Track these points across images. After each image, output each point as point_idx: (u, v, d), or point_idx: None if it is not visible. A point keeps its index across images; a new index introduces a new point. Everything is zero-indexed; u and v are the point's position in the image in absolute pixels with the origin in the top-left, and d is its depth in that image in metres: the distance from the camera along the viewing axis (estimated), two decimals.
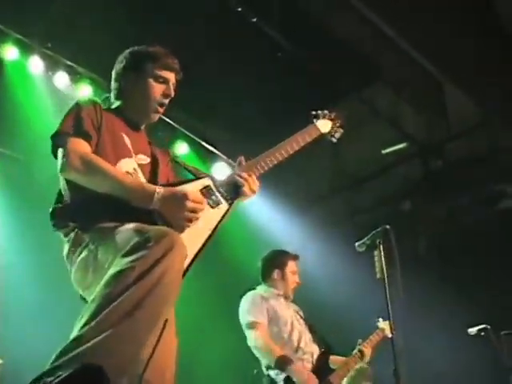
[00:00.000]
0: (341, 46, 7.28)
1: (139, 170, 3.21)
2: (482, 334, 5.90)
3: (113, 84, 3.52)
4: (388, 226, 4.83)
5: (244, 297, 5.46)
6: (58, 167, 3.03)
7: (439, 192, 8.40)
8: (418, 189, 8.57)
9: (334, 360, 5.40)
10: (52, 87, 7.32)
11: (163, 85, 3.38)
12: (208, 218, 3.02)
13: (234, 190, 3.20)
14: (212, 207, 3.09)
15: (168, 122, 8.13)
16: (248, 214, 8.59)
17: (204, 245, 2.98)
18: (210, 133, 8.68)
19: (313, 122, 3.85)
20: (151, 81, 3.35)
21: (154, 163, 3.31)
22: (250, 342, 5.18)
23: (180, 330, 3.22)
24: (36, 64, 7.11)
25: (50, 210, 3.08)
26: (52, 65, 7.25)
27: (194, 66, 7.23)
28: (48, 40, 7.15)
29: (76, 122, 3.09)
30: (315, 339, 5.39)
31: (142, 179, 3.17)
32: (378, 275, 4.74)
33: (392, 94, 8.16)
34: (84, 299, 2.99)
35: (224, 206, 3.14)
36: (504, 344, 6.09)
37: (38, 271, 7.70)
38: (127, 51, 3.53)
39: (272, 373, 5.03)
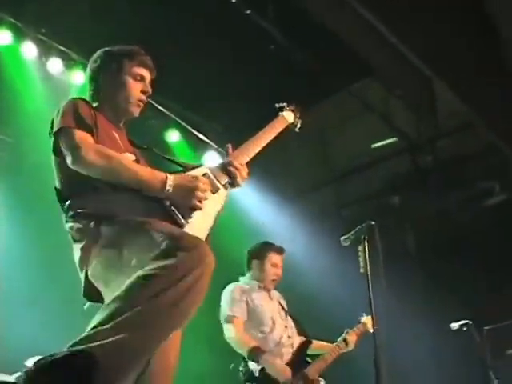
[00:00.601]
0: (332, 41, 7.28)
1: None
2: (464, 329, 6.00)
3: (88, 85, 3.47)
4: (373, 222, 4.88)
5: (225, 288, 5.51)
6: (69, 161, 2.96)
7: (428, 188, 8.44)
8: (407, 184, 8.61)
9: (319, 346, 5.50)
10: (45, 73, 7.33)
11: (141, 82, 3.42)
12: (211, 203, 3.10)
13: (228, 177, 3.27)
14: (213, 193, 3.14)
15: (160, 110, 8.17)
16: (237, 205, 8.65)
17: (211, 229, 3.10)
18: (202, 122, 8.70)
19: (279, 114, 4.00)
20: (129, 78, 3.36)
21: (138, 162, 3.27)
22: (226, 335, 5.26)
23: None
24: (29, 49, 7.11)
25: (67, 203, 3.01)
26: (45, 50, 7.25)
27: (188, 56, 7.36)
28: (42, 25, 7.16)
29: (76, 117, 3.08)
30: (297, 331, 5.45)
31: None
32: (362, 270, 4.80)
33: (383, 89, 8.18)
34: (89, 295, 2.99)
35: (223, 191, 3.22)
36: (486, 339, 6.19)
37: (29, 255, 7.75)
38: (101, 51, 3.51)
39: (250, 364, 5.08)
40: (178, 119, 8.40)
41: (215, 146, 8.86)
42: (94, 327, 2.47)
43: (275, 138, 3.81)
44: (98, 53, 3.49)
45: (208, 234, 3.09)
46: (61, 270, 7.84)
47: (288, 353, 5.24)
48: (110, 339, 2.39)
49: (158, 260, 2.59)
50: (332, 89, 8.29)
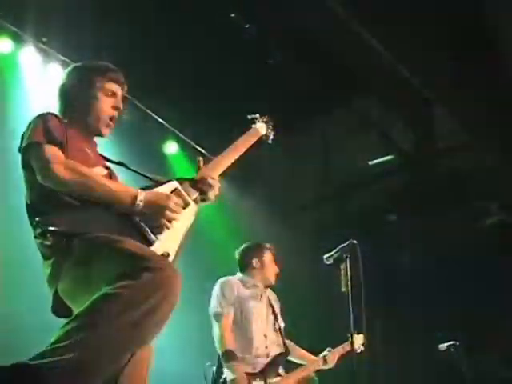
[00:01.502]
0: (330, 58, 7.32)
1: None
2: (452, 349, 6.03)
3: (59, 100, 3.44)
4: (355, 241, 4.89)
5: (218, 282, 5.54)
6: (40, 176, 2.95)
7: (424, 206, 8.45)
8: (404, 202, 8.62)
9: (302, 355, 5.53)
10: (46, 81, 7.37)
11: (112, 98, 3.42)
12: (181, 219, 3.08)
13: (199, 192, 3.29)
14: (183, 208, 3.13)
15: (159, 122, 8.21)
16: (232, 215, 8.70)
17: (182, 244, 3.09)
18: (200, 134, 8.72)
19: (251, 126, 4.06)
20: (101, 94, 3.37)
21: (109, 176, 3.30)
22: (213, 332, 5.30)
23: None
24: (30, 57, 7.17)
25: (35, 220, 2.96)
26: (46, 59, 7.30)
27: (188, 68, 7.40)
28: (43, 34, 7.21)
29: (46, 131, 3.04)
30: (278, 340, 5.46)
31: None
32: (343, 289, 4.80)
33: (381, 106, 8.20)
34: (58, 311, 2.98)
35: (193, 206, 3.22)
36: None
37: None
38: (72, 67, 3.53)
39: (224, 367, 5.11)
40: (176, 131, 8.41)
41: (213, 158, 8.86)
42: (52, 344, 2.45)
43: (247, 150, 3.85)
44: (69, 69, 3.49)
45: (178, 249, 3.09)
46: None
47: (260, 362, 5.24)
48: (64, 357, 2.37)
49: (122, 279, 2.56)
50: (331, 106, 8.29)
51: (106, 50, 7.14)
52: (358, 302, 4.67)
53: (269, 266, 5.66)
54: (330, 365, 5.52)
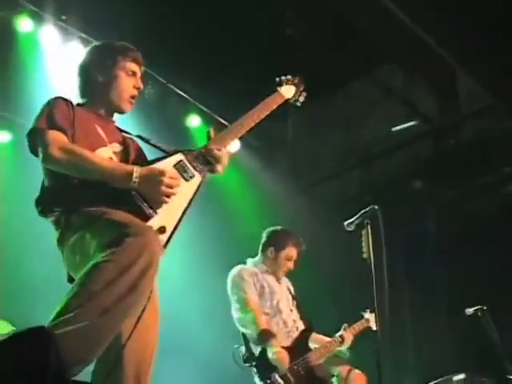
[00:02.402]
0: (354, 27, 7.27)
1: (115, 158, 3.31)
2: (479, 314, 6.01)
3: (79, 79, 3.59)
4: (376, 207, 4.86)
5: (232, 271, 5.50)
6: (41, 159, 3.15)
7: (449, 172, 8.38)
8: (429, 168, 8.55)
9: (317, 338, 5.46)
10: (66, 60, 7.41)
11: (133, 77, 3.54)
12: (184, 192, 3.16)
13: (206, 164, 3.32)
14: (186, 180, 3.22)
15: (181, 95, 8.23)
16: (256, 186, 8.71)
17: (181, 217, 3.14)
18: (223, 105, 8.71)
19: (277, 90, 4.00)
20: (122, 74, 3.49)
21: (126, 150, 3.42)
22: (240, 321, 5.24)
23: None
24: (50, 35, 7.20)
25: (36, 198, 3.22)
26: (66, 37, 7.33)
27: (207, 41, 7.38)
28: (62, 12, 7.24)
29: (49, 117, 3.22)
30: (301, 317, 5.43)
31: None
32: (365, 255, 4.78)
33: (405, 73, 8.12)
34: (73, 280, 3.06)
35: (197, 178, 3.27)
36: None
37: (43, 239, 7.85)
38: (92, 46, 3.69)
39: (252, 346, 5.09)
40: (198, 104, 8.42)
41: None
42: (56, 316, 2.59)
43: (270, 114, 3.82)
44: (90, 47, 3.68)
45: (181, 219, 3.15)
46: None
47: (291, 336, 5.23)
48: (70, 327, 2.50)
49: (109, 247, 2.70)
50: (353, 75, 8.23)
51: (126, 25, 7.21)
52: (380, 268, 4.65)
53: (282, 262, 5.58)
54: (347, 344, 5.44)
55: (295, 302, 5.51)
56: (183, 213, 3.16)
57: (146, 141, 3.59)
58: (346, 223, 5.02)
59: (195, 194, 3.25)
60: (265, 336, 5.01)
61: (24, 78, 7.35)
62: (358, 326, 5.51)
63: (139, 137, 3.63)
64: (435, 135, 8.63)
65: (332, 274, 7.99)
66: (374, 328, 4.95)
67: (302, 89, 4.13)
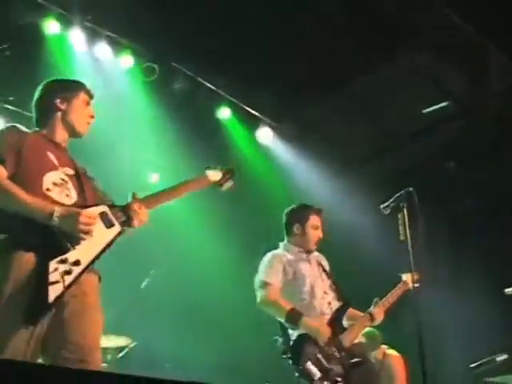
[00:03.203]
0: (379, 8, 7.23)
1: (69, 180, 3.69)
2: None
3: (35, 110, 3.94)
4: (411, 189, 4.86)
5: (264, 257, 5.48)
6: None
7: (482, 151, 8.31)
8: (462, 148, 8.48)
9: (354, 314, 5.43)
10: (94, 59, 7.49)
11: (88, 107, 3.98)
12: (103, 235, 3.55)
13: (126, 217, 3.73)
14: (107, 227, 3.60)
15: (210, 88, 8.27)
16: (292, 175, 8.73)
17: (98, 255, 3.51)
18: (253, 97, 8.73)
19: (204, 172, 4.37)
20: (82, 105, 3.93)
21: (78, 175, 3.79)
22: (258, 300, 5.23)
23: None
24: (77, 37, 7.27)
25: None
26: (93, 37, 7.41)
27: (237, 30, 7.39)
28: (88, 12, 7.30)
29: None
30: (337, 296, 5.38)
31: (72, 188, 3.67)
32: (402, 237, 4.78)
33: (433, 53, 8.04)
34: None
35: (117, 227, 3.65)
36: None
37: None
38: (45, 83, 4.02)
39: (289, 333, 5.06)
40: (228, 96, 8.46)
41: (268, 121, 8.92)
42: None
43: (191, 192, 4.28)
44: (44, 84, 4.01)
45: (98, 256, 3.50)
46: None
47: (326, 320, 5.17)
48: None
49: None
50: (382, 58, 8.17)
51: (152, 22, 7.25)
52: (418, 249, 4.64)
53: (310, 231, 5.54)
54: (377, 321, 5.40)
55: (330, 281, 5.45)
56: (100, 253, 3.50)
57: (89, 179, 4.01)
58: (381, 207, 5.04)
59: (113, 240, 3.59)
60: (294, 315, 4.99)
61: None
62: (392, 297, 5.47)
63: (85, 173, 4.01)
64: (466, 114, 8.53)
65: (370, 258, 7.97)
66: (412, 288, 4.99)
67: (228, 177, 4.46)
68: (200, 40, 7.40)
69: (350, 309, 5.42)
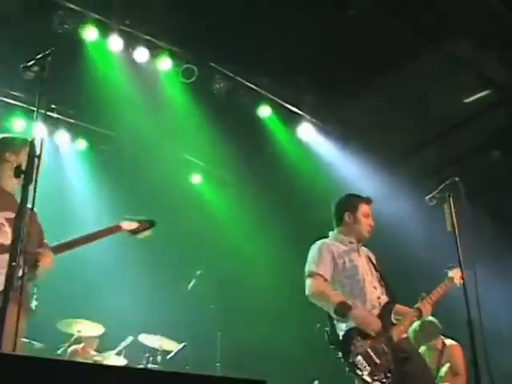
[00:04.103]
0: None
1: (6, 223, 4.22)
2: None
3: None
4: (457, 179, 4.79)
5: (313, 245, 5.37)
6: None
7: None
8: (506, 137, 8.35)
9: (401, 310, 5.33)
10: (133, 63, 7.57)
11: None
12: None
13: (34, 262, 4.27)
14: None
15: (250, 87, 8.29)
16: (335, 170, 8.71)
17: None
18: (293, 94, 8.72)
19: (118, 222, 4.83)
20: (14, 157, 4.42)
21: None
22: (306, 291, 5.11)
23: None
24: (115, 42, 7.34)
25: None
26: (131, 41, 7.47)
27: (275, 28, 7.38)
28: (125, 17, 7.37)
29: None
30: (385, 289, 5.30)
31: (8, 229, 4.18)
32: (449, 228, 4.71)
33: (474, 42, 7.93)
34: None
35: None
36: None
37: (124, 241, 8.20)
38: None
39: (338, 324, 5.01)
40: (268, 94, 8.46)
41: (308, 117, 8.90)
42: None
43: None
44: None
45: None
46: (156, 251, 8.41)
47: (375, 314, 5.10)
48: None
49: None
50: (422, 49, 8.09)
51: (190, 23, 7.29)
52: (465, 240, 4.57)
53: (362, 220, 5.40)
54: (425, 316, 5.29)
55: (378, 274, 5.38)
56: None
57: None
58: (426, 198, 4.96)
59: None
60: (342, 308, 4.89)
61: (95, 87, 7.54)
62: (438, 292, 5.37)
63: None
64: (508, 103, 8.40)
65: (417, 251, 7.91)
66: (459, 285, 4.93)
67: (146, 227, 4.97)
68: (238, 40, 7.40)
69: (398, 305, 5.34)
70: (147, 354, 7.29)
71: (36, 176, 3.50)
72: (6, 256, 3.34)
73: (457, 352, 6.55)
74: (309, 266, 5.17)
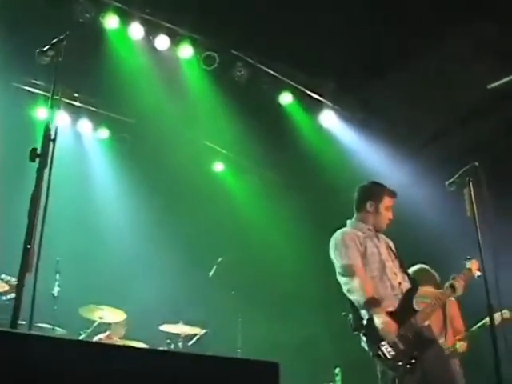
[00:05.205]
0: None
1: None
2: None
3: None
4: (477, 163, 4.74)
5: (334, 236, 5.31)
6: None
7: None
8: None
9: (424, 292, 5.30)
10: (153, 51, 7.59)
11: None
12: None
13: None
14: None
15: (271, 74, 8.27)
16: (357, 157, 8.67)
17: None
18: (315, 81, 8.68)
19: None
20: None
21: None
22: (346, 286, 5.04)
23: None
24: (136, 30, 7.36)
25: None
26: (152, 29, 7.49)
27: (296, 14, 7.35)
28: (147, 5, 7.38)
29: None
30: (405, 277, 5.27)
31: None
32: (468, 213, 4.67)
33: (498, 26, 7.84)
34: None
35: None
36: None
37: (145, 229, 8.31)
38: None
39: (361, 312, 4.98)
40: (289, 81, 8.44)
41: (330, 104, 8.86)
42: None
43: None
44: None
45: None
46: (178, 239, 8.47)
47: (397, 299, 5.08)
48: None
49: None
50: (447, 33, 8.00)
51: (211, 10, 7.28)
52: (485, 225, 4.53)
53: (383, 212, 5.36)
54: (459, 292, 5.28)
55: (398, 262, 5.34)
56: None
57: None
58: (447, 183, 4.92)
59: None
60: (371, 303, 4.89)
61: (117, 75, 7.57)
62: (465, 275, 5.34)
63: None
64: None
65: (437, 237, 7.84)
66: (477, 276, 4.90)
67: None
68: (259, 26, 7.38)
69: (420, 288, 5.29)
70: (169, 341, 7.34)
71: (51, 160, 3.47)
72: None
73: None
74: (341, 260, 5.11)
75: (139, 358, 2.48)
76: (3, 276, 6.13)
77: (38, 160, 3.44)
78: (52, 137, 3.52)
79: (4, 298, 6.13)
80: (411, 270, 6.03)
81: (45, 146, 3.47)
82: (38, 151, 3.46)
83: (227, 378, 2.54)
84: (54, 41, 3.81)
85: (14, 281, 5.80)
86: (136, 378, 2.38)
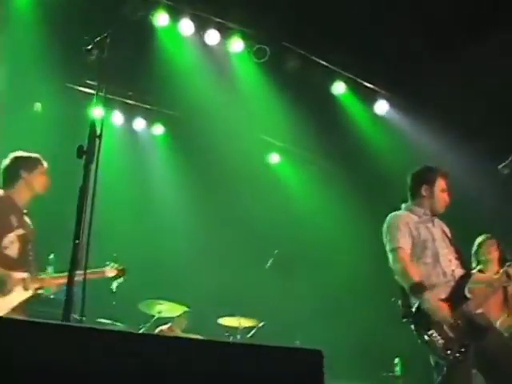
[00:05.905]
0: None
1: (16, 240, 4.64)
2: None
3: (6, 174, 4.84)
4: None
5: (387, 218, 5.24)
6: None
7: None
8: None
9: (479, 278, 5.23)
10: (204, 46, 7.64)
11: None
12: (17, 295, 4.65)
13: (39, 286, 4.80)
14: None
15: (323, 65, 8.24)
16: (412, 145, 8.59)
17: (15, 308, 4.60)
18: (368, 70, 8.61)
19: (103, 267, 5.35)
20: (26, 174, 4.81)
21: (25, 234, 4.75)
22: (392, 265, 5.00)
23: None
24: (187, 26, 7.43)
25: None
26: (202, 24, 7.54)
27: (348, 4, 7.31)
28: (196, 1, 7.43)
29: None
30: (460, 264, 5.19)
31: (17, 244, 4.64)
32: None
33: None
34: None
35: (29, 292, 4.73)
36: None
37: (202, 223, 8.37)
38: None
39: (411, 299, 4.93)
40: (342, 71, 8.39)
41: (384, 93, 8.79)
42: None
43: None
44: (13, 157, 4.90)
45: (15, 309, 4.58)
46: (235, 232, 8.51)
47: (450, 286, 5.02)
48: None
49: None
50: (496, 24, 7.86)
51: (260, 3, 7.30)
52: None
53: (438, 194, 5.24)
54: None
55: (453, 248, 5.26)
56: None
57: None
58: (499, 167, 4.85)
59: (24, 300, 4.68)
60: (417, 288, 4.84)
61: (169, 72, 7.66)
62: None
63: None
64: None
65: (497, 221, 7.71)
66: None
67: (121, 275, 5.49)
68: (310, 17, 7.36)
69: (474, 274, 5.23)
70: (227, 333, 7.39)
71: (97, 156, 3.52)
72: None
73: None
74: (390, 243, 5.08)
75: (192, 349, 2.51)
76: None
77: (84, 157, 3.51)
78: (98, 133, 3.58)
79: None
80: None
81: (91, 143, 3.53)
82: (85, 148, 3.53)
83: (271, 366, 2.54)
84: (97, 39, 3.85)
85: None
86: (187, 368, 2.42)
